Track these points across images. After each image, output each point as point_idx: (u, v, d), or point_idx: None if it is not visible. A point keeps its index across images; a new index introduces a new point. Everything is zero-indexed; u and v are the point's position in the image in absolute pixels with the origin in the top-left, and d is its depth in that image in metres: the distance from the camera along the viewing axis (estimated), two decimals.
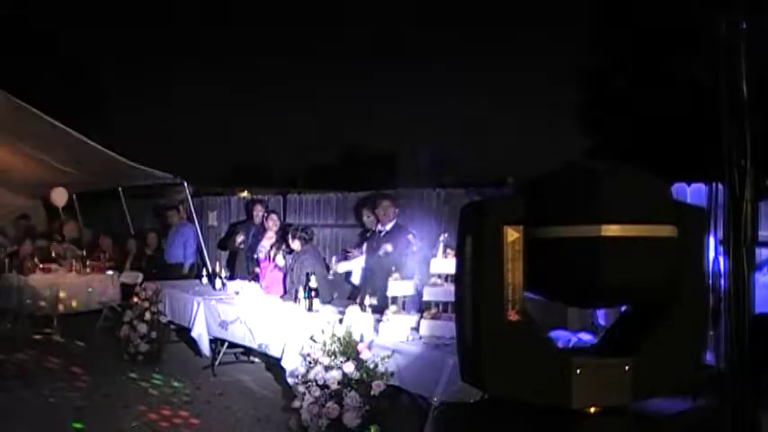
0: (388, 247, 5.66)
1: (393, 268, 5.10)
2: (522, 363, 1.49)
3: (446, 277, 4.51)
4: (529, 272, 1.48)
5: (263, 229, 7.44)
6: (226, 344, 6.32)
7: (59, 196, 9.76)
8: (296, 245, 6.30)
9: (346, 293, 6.65)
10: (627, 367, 1.49)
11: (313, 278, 5.53)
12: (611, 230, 1.39)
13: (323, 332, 4.54)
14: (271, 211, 7.74)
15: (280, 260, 6.63)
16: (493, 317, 1.47)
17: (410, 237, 5.59)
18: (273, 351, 5.25)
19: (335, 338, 4.42)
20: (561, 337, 3.88)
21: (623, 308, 1.89)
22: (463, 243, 1.53)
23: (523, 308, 1.47)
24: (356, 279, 6.42)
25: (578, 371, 1.47)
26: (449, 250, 4.56)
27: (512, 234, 1.45)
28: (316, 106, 44.03)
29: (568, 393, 1.47)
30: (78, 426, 4.76)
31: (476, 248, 1.49)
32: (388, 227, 5.77)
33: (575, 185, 1.45)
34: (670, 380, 1.62)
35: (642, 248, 1.43)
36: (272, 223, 7.29)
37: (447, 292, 4.42)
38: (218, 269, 7.18)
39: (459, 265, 1.58)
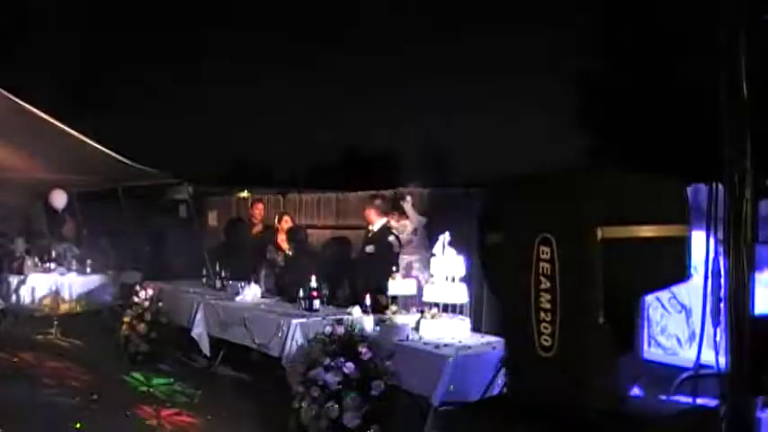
0: (369, 249, 5.71)
1: (394, 268, 5.11)
2: None
3: (446, 277, 4.50)
4: None
5: (267, 229, 7.45)
6: (226, 344, 6.31)
7: (58, 198, 9.75)
8: (295, 245, 6.31)
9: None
10: None
11: (313, 278, 5.54)
12: None
13: (323, 332, 4.54)
14: (284, 212, 7.70)
15: (281, 260, 6.64)
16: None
17: (392, 239, 5.63)
18: (273, 351, 5.25)
19: (335, 338, 4.42)
20: None
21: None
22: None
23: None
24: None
25: None
26: (449, 250, 4.56)
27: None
28: (316, 106, 44.03)
29: None
30: (78, 426, 4.76)
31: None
32: (375, 228, 5.80)
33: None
34: None
35: None
36: (285, 224, 7.29)
37: (447, 292, 4.42)
38: (218, 269, 7.17)
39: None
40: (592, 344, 1.86)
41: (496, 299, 1.94)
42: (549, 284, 1.91)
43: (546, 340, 1.92)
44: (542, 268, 1.92)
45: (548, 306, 1.91)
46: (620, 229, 1.86)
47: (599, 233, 1.83)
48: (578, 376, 1.88)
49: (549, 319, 1.92)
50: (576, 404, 1.87)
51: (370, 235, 5.90)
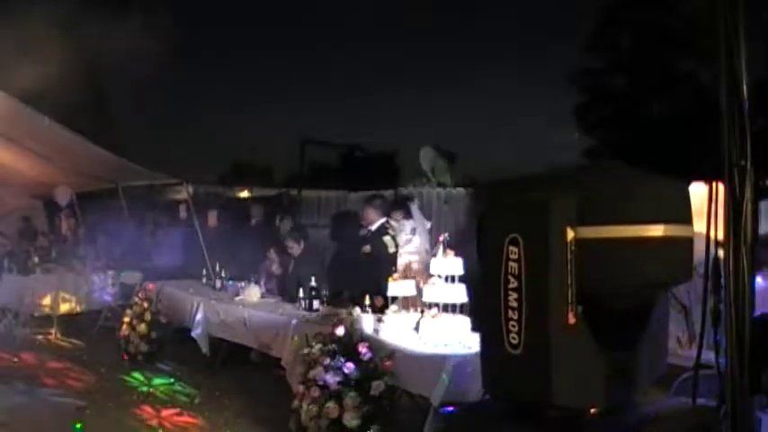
0: (366, 249, 5.74)
1: (393, 268, 5.11)
2: None
3: (446, 278, 4.50)
4: None
5: (265, 229, 7.45)
6: (226, 344, 6.31)
7: (62, 194, 9.78)
8: (295, 245, 6.31)
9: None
10: None
11: (313, 278, 5.54)
12: None
13: (323, 332, 4.54)
14: (284, 214, 7.74)
15: (277, 267, 6.66)
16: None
17: (387, 238, 5.66)
18: (273, 351, 5.25)
19: (335, 338, 4.42)
20: None
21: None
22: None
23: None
24: None
25: None
26: (448, 251, 4.55)
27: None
28: (316, 105, 44.02)
29: None
30: (78, 426, 4.76)
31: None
32: (373, 228, 5.83)
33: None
34: None
35: None
36: (285, 225, 7.33)
37: (446, 292, 4.42)
38: (218, 269, 7.17)
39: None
40: (559, 343, 1.89)
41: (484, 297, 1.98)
42: (516, 284, 1.96)
43: (513, 338, 1.97)
44: (511, 267, 1.97)
45: (515, 305, 1.96)
46: (602, 229, 1.87)
47: (569, 233, 1.85)
48: (544, 375, 1.90)
49: (515, 317, 1.97)
50: (547, 403, 1.90)
51: (367, 235, 5.91)
